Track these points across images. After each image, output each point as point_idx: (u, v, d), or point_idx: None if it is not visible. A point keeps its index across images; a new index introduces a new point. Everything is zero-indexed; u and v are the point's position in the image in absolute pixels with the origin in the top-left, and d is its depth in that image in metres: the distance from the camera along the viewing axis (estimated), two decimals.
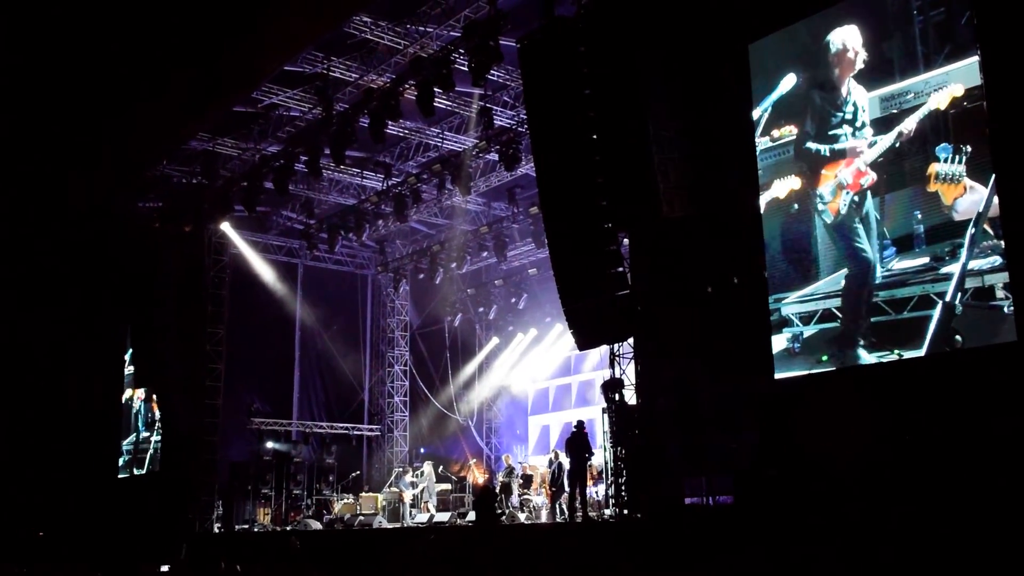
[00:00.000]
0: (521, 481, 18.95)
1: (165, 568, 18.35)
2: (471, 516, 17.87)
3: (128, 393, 25.04)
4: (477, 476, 20.84)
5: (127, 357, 24.89)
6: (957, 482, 9.61)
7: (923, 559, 9.37)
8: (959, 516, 9.37)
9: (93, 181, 22.18)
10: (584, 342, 15.03)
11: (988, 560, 8.90)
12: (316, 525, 20.28)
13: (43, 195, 22.06)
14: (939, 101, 10.32)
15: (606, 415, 14.71)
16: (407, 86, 17.26)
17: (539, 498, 18.24)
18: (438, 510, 19.84)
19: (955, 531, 9.27)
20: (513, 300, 25.01)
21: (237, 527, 21.39)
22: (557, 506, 16.83)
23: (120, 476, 24.65)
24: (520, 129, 18.27)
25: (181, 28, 17.09)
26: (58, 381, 23.07)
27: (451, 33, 16.70)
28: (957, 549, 9.14)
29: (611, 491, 14.42)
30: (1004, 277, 9.63)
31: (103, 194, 22.55)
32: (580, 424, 15.68)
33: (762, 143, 12.31)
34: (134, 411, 24.86)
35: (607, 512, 15.19)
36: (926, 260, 10.35)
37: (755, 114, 12.38)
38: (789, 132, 12.01)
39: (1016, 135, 9.72)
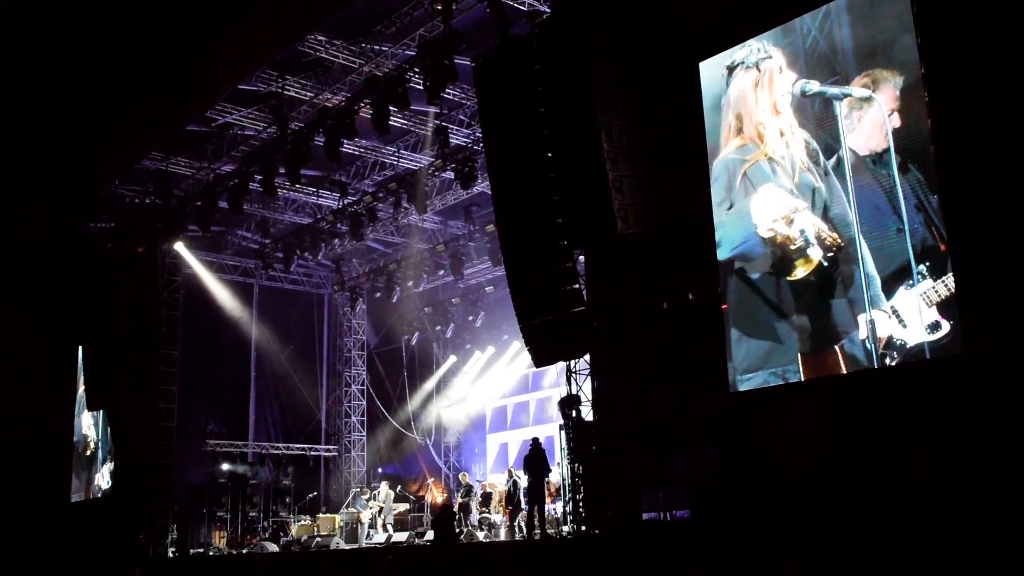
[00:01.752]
0: (480, 499, 18.91)
1: None
2: (429, 535, 17.79)
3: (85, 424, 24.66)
4: (435, 495, 20.78)
5: (79, 379, 24.49)
6: (916, 493, 9.73)
7: (885, 571, 9.47)
8: (920, 527, 9.49)
9: (45, 201, 21.89)
10: (541, 359, 15.07)
11: (951, 570, 9.02)
12: (273, 548, 20.07)
13: None
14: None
15: (563, 432, 14.74)
16: (362, 105, 17.26)
17: (498, 516, 18.22)
18: (396, 530, 19.73)
19: (917, 542, 9.38)
20: (470, 318, 25.00)
21: (192, 551, 21.08)
22: (516, 524, 16.81)
23: (72, 500, 24.23)
24: (476, 147, 18.36)
25: (135, 47, 16.97)
26: (8, 401, 22.62)
27: (406, 52, 16.75)
28: (919, 561, 9.25)
29: (569, 508, 14.44)
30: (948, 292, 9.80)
31: (55, 214, 22.25)
32: (535, 441, 15.71)
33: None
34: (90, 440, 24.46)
35: (565, 529, 15.20)
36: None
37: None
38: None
39: (959, 157, 9.91)
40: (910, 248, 10.12)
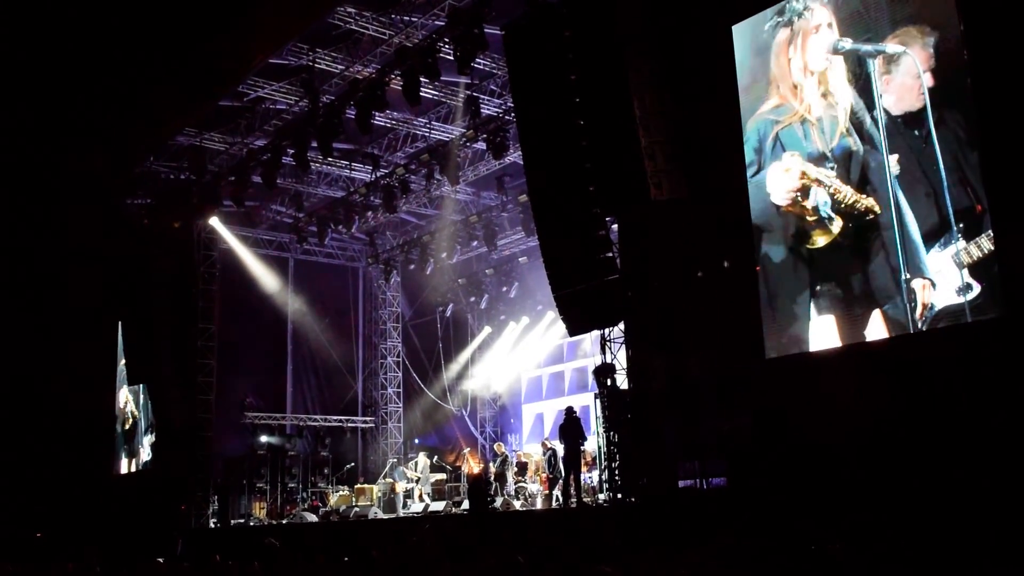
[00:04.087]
0: (516, 469, 18.97)
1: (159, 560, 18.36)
2: (466, 505, 17.89)
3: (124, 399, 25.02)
4: (472, 465, 20.86)
5: (119, 353, 24.84)
6: (954, 458, 9.64)
7: (921, 537, 9.40)
8: (957, 492, 9.40)
9: (82, 179, 22.12)
10: (575, 328, 15.04)
11: (987, 537, 8.93)
12: (312, 518, 20.30)
13: (33, 192, 22.00)
14: None
15: (599, 401, 14.73)
16: (393, 76, 17.20)
17: (534, 485, 18.28)
18: (433, 499, 19.86)
19: (953, 507, 9.30)
20: (504, 289, 24.98)
21: (233, 522, 21.38)
22: (552, 493, 16.87)
23: (115, 472, 24.66)
24: (507, 117, 18.24)
25: (166, 22, 17.03)
26: (51, 378, 23.01)
27: (435, 22, 16.66)
28: (955, 526, 9.17)
29: (605, 476, 14.45)
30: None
31: (92, 192, 22.49)
32: (570, 410, 15.69)
33: None
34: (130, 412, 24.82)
35: (601, 497, 15.22)
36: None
37: None
38: None
39: (1000, 114, 9.74)
40: (944, 208, 9.98)
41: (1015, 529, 8.77)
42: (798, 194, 11.56)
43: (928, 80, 10.24)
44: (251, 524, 21.26)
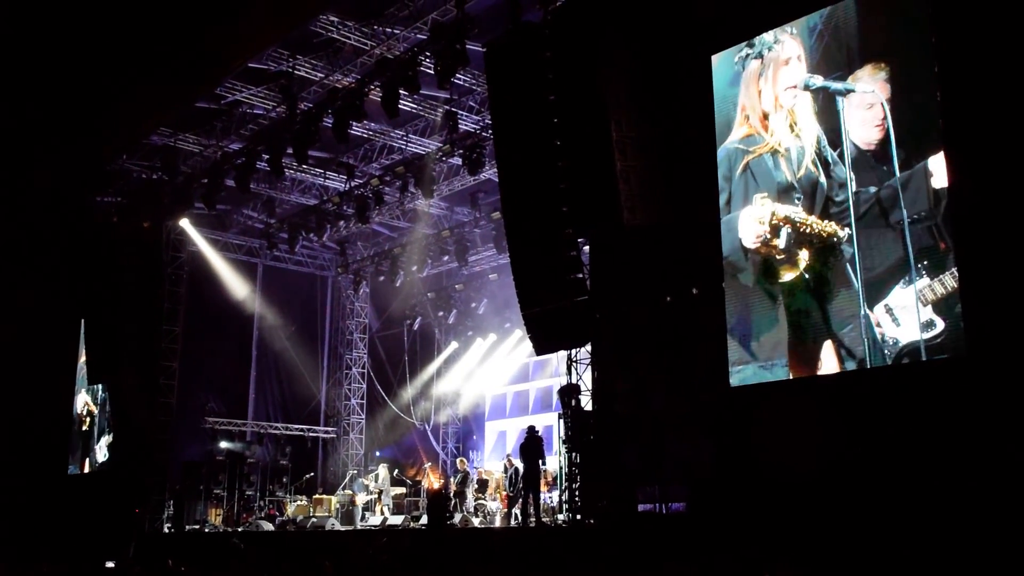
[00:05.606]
0: (476, 486, 18.93)
1: (111, 564, 18.13)
2: (425, 520, 17.81)
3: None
4: (432, 480, 20.78)
5: (80, 352, 24.52)
6: (912, 491, 9.73)
7: (878, 568, 9.48)
8: (914, 524, 9.49)
9: (52, 174, 21.88)
10: (541, 347, 15.07)
11: (945, 566, 9.03)
12: (268, 526, 20.11)
13: (2, 182, 21.72)
14: None
15: (562, 421, 14.73)
16: (372, 87, 17.22)
17: (494, 503, 18.24)
18: (392, 513, 19.76)
19: (910, 539, 9.39)
20: (473, 305, 25.02)
21: (188, 527, 21.14)
22: (512, 511, 16.83)
23: (70, 473, 24.28)
24: (484, 134, 18.31)
25: (146, 21, 16.95)
26: (9, 376, 22.65)
27: (418, 36, 16.69)
28: (912, 557, 9.25)
29: (565, 496, 14.44)
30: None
31: (62, 187, 22.25)
32: (532, 429, 15.69)
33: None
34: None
35: (560, 517, 15.21)
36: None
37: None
38: None
39: (968, 156, 9.89)
40: (908, 246, 10.12)
41: (967, 563, 8.87)
42: (768, 235, 11.69)
43: (897, 119, 10.39)
44: (206, 530, 21.04)
